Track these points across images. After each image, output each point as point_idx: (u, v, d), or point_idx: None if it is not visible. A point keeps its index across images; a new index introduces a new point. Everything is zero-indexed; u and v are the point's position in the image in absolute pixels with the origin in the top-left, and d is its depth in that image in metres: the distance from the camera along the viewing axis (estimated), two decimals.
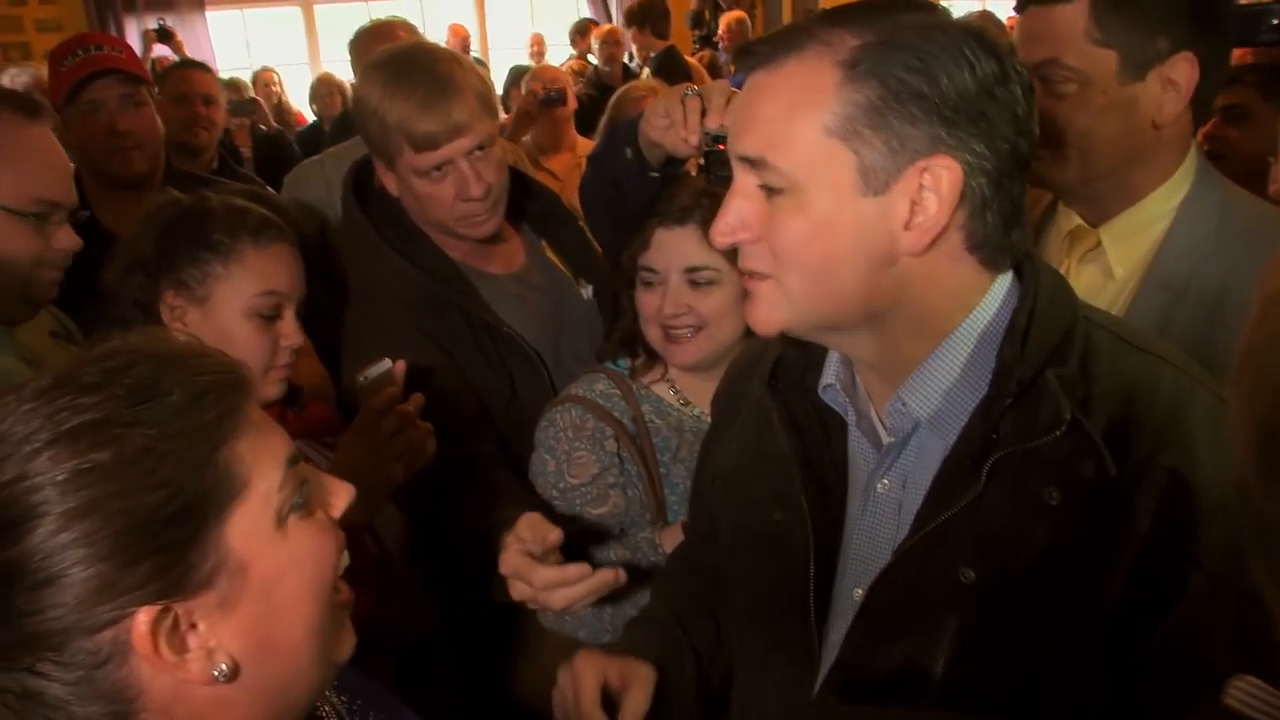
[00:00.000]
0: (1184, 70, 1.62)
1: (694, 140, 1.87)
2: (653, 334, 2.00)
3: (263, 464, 0.97)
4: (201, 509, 0.92)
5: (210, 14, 9.36)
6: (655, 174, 2.00)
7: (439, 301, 2.17)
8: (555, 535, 1.73)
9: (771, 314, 1.20)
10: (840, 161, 1.10)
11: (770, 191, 1.15)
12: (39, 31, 8.34)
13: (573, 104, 4.82)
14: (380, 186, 2.26)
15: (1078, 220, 1.82)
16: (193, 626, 0.92)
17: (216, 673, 0.93)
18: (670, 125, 1.89)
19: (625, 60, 7.92)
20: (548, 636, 2.06)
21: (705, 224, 1.89)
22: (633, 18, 7.86)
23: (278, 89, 8.06)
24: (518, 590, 1.74)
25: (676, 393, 2.09)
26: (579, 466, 2.02)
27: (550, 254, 2.45)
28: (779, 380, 1.35)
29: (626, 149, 1.99)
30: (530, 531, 1.74)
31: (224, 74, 8.32)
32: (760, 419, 1.36)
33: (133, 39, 8.55)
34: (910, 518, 1.20)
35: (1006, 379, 1.13)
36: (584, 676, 1.46)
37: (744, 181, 1.18)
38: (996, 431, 1.13)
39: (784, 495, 1.31)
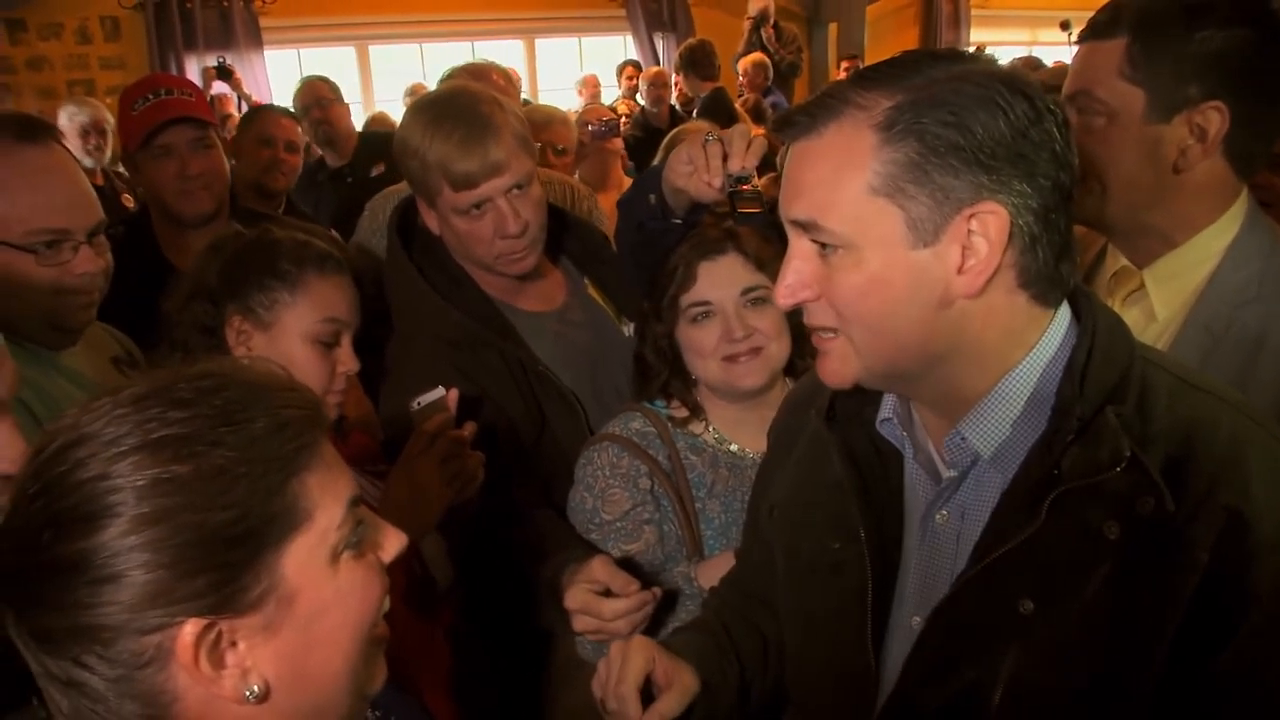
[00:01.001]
0: (1214, 120, 1.64)
1: (717, 184, 1.91)
2: (712, 369, 2.02)
3: (327, 500, 1.00)
4: (263, 534, 0.95)
5: (268, 53, 9.55)
6: (679, 220, 2.04)
7: (476, 340, 2.20)
8: (635, 585, 1.83)
9: (844, 369, 1.23)
10: (888, 218, 1.14)
11: (825, 249, 1.18)
12: (103, 69, 8.55)
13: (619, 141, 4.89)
14: (424, 225, 2.30)
15: (1124, 261, 1.83)
16: (233, 644, 0.95)
17: (248, 693, 0.96)
18: (693, 171, 1.93)
19: (672, 102, 7.97)
20: (586, 668, 2.06)
21: (743, 252, 1.98)
22: (681, 62, 7.95)
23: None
24: (582, 623, 1.86)
25: (712, 430, 2.11)
26: (612, 503, 2.04)
27: (593, 291, 2.48)
28: (836, 413, 1.38)
29: (651, 195, 2.04)
30: (604, 574, 1.85)
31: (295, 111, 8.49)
32: (817, 451, 1.40)
33: (193, 75, 8.74)
34: (968, 548, 1.23)
35: (1067, 416, 1.16)
36: (633, 660, 1.48)
37: (799, 244, 1.22)
38: (1058, 467, 1.15)
39: (841, 525, 1.33)
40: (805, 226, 1.19)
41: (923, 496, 1.31)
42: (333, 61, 9.88)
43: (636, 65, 9.64)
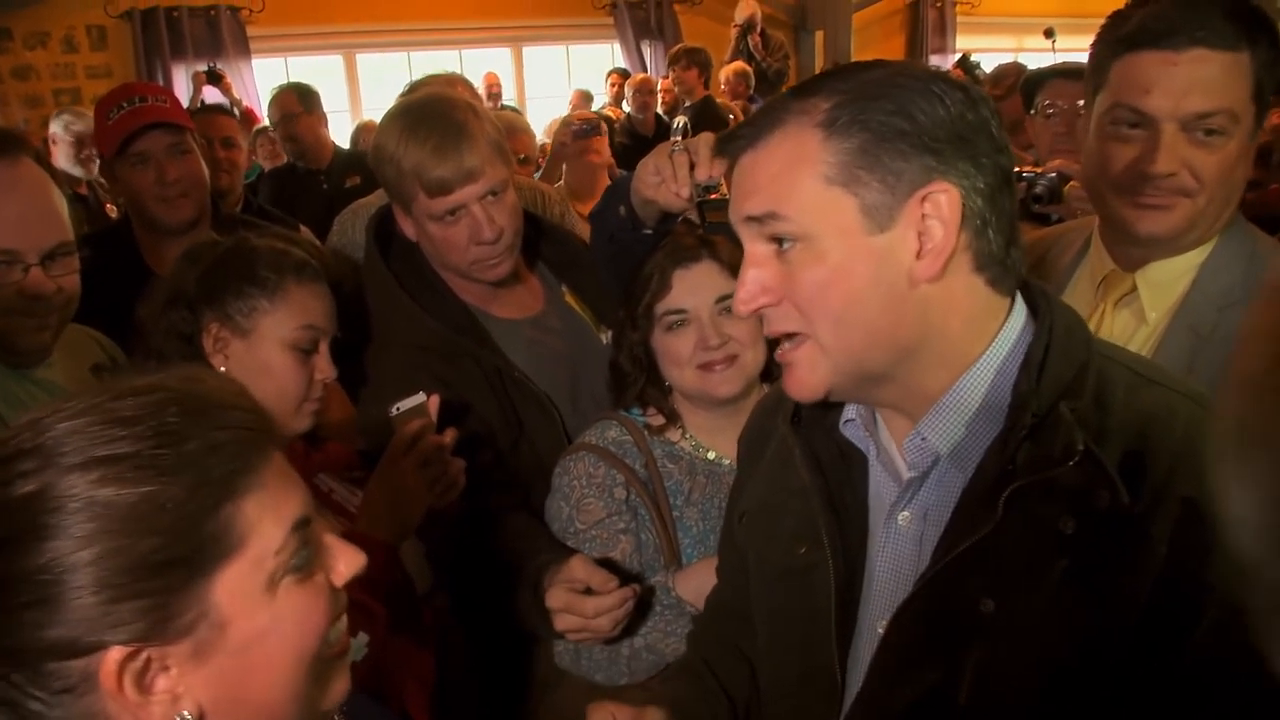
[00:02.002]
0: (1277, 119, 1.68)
1: (685, 193, 1.92)
2: (688, 377, 2.03)
3: (265, 525, 0.97)
4: (191, 562, 0.92)
5: (255, 61, 9.55)
6: (649, 231, 2.05)
7: (452, 348, 2.20)
8: (613, 582, 1.85)
9: (812, 376, 1.23)
10: (843, 206, 1.16)
11: (782, 247, 1.19)
12: (89, 78, 8.54)
13: (602, 141, 4.88)
14: (401, 232, 2.30)
15: (1111, 265, 1.85)
16: (165, 669, 0.93)
17: (179, 718, 0.94)
18: (661, 181, 1.94)
19: (658, 110, 7.99)
20: (568, 676, 2.08)
21: (718, 260, 1.98)
22: (676, 58, 7.95)
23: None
24: (564, 622, 1.87)
25: (689, 438, 2.11)
26: (586, 512, 2.05)
27: (570, 299, 2.48)
28: (801, 417, 1.39)
29: (620, 207, 2.05)
30: (584, 572, 1.87)
31: (269, 121, 8.50)
32: (784, 456, 1.40)
33: (180, 84, 8.73)
34: (930, 550, 1.23)
35: (1022, 411, 1.17)
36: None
37: (754, 248, 1.23)
38: (1013, 463, 1.16)
39: (807, 530, 1.34)
40: (761, 220, 1.20)
41: (886, 498, 1.31)
42: (321, 70, 9.88)
43: (623, 73, 9.65)
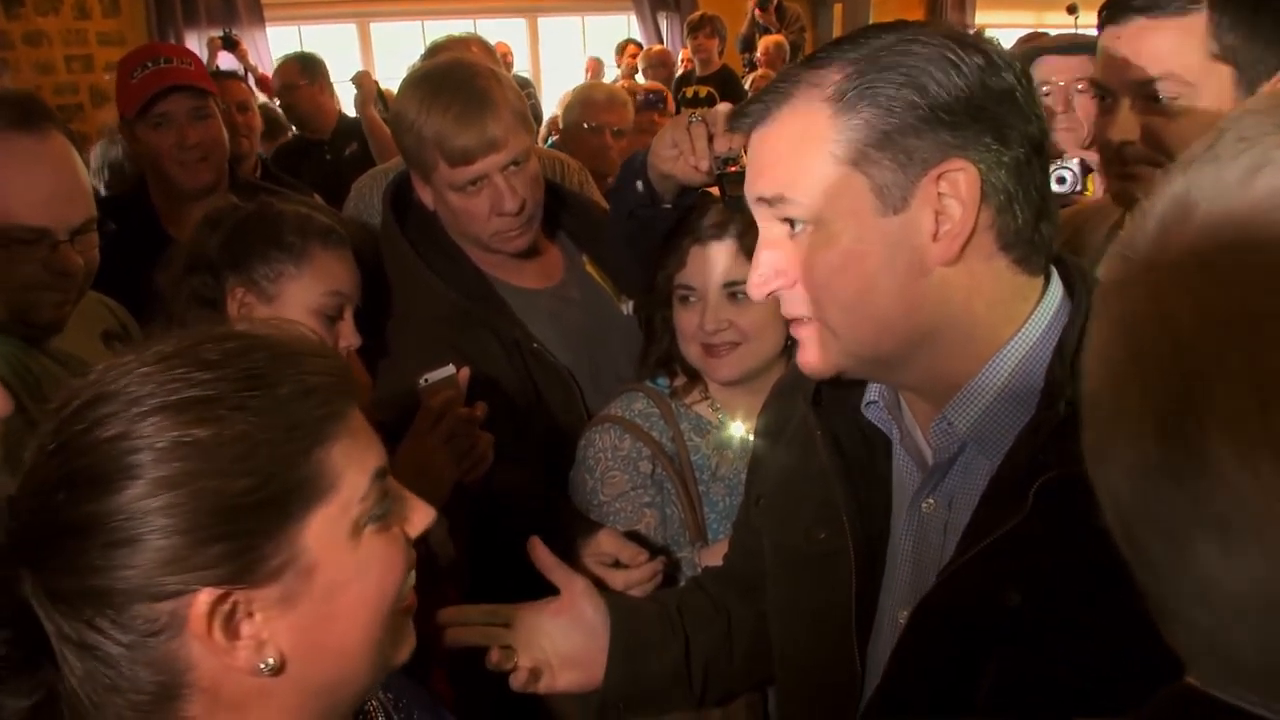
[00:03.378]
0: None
1: (704, 166, 1.88)
2: (693, 351, 2.01)
3: (352, 471, 0.98)
4: (284, 504, 0.93)
5: (270, 30, 9.49)
6: (668, 206, 2.00)
7: (469, 318, 2.19)
8: (643, 555, 1.85)
9: (822, 356, 1.20)
10: (854, 187, 1.11)
11: (794, 229, 1.16)
12: (101, 45, 8.47)
13: (666, 115, 4.85)
14: (418, 200, 2.28)
15: None
16: (249, 615, 0.94)
17: (263, 665, 0.94)
18: (679, 155, 1.90)
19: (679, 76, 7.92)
20: None
21: (740, 238, 1.93)
22: (698, 25, 7.86)
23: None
24: None
25: (716, 410, 2.09)
26: (610, 484, 2.04)
27: (591, 269, 2.46)
28: (823, 398, 1.35)
29: (638, 182, 2.00)
30: (613, 545, 1.87)
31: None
32: (804, 437, 1.36)
33: (194, 51, 8.68)
34: (954, 540, 1.19)
35: (1055, 398, 1.12)
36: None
37: (768, 229, 1.19)
38: (1045, 453, 1.11)
39: (827, 515, 1.30)
40: (771, 202, 1.16)
41: (909, 484, 1.28)
42: (334, 39, 9.84)
43: (638, 44, 9.57)
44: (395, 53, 9.81)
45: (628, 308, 2.41)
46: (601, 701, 1.58)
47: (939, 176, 1.09)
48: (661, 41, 10.13)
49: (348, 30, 10.31)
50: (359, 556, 0.98)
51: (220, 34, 8.07)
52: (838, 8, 11.04)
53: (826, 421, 1.33)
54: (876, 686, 1.25)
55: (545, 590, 1.97)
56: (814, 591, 1.34)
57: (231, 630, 0.93)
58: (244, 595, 0.92)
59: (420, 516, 1.08)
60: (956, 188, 1.09)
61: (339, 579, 0.97)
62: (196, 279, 1.92)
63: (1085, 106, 2.73)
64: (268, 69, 8.76)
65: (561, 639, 1.56)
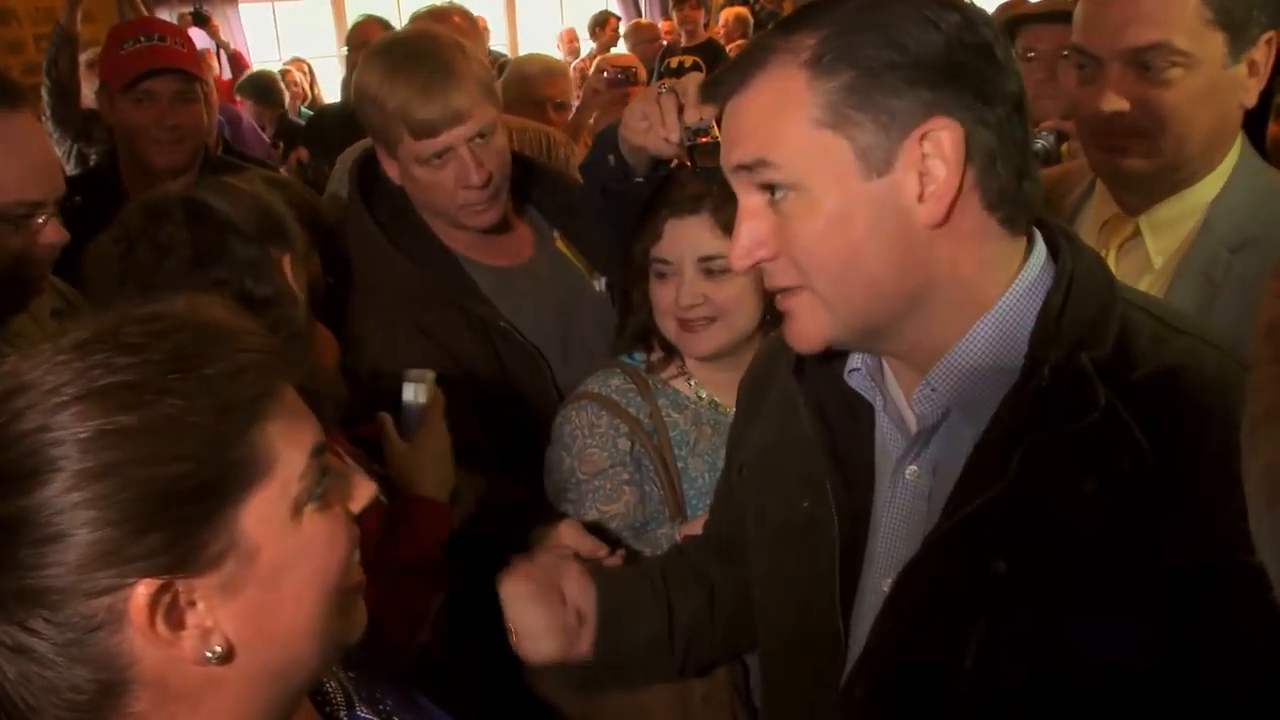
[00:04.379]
0: (1265, 52, 1.61)
1: (674, 138, 1.84)
2: (668, 326, 1.99)
3: (289, 450, 0.95)
4: (220, 488, 0.90)
5: (242, 6, 9.40)
6: (641, 180, 1.97)
7: (435, 296, 2.16)
8: (603, 549, 1.80)
9: (813, 327, 1.18)
10: (836, 150, 1.09)
11: (775, 196, 1.13)
12: None
13: (638, 91, 4.77)
14: (385, 176, 2.25)
15: (1114, 208, 1.78)
16: (192, 604, 0.91)
17: (210, 654, 0.91)
18: (649, 127, 1.86)
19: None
20: None
21: (716, 212, 1.89)
22: None
23: (302, 82, 8.08)
24: None
25: (693, 385, 2.07)
26: (589, 462, 2.01)
27: (562, 245, 2.43)
28: (805, 366, 1.32)
29: (610, 156, 1.97)
30: (572, 538, 1.82)
31: (255, 65, 8.38)
32: (787, 406, 1.35)
33: None
34: (939, 507, 1.18)
35: (1039, 361, 1.11)
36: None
37: (748, 199, 1.17)
38: (1029, 417, 1.10)
39: (811, 483, 1.29)
40: (751, 168, 1.14)
41: (893, 452, 1.26)
42: (308, 13, 9.75)
43: (618, 18, 9.48)
44: None
45: (600, 283, 2.39)
46: (589, 669, 1.58)
47: (922, 136, 1.08)
48: (640, 13, 10.05)
49: (322, 6, 10.22)
50: (301, 537, 0.96)
51: (190, 10, 7.98)
52: None
53: (809, 390, 1.31)
54: (860, 654, 1.24)
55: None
56: (798, 560, 1.32)
57: (174, 621, 0.90)
58: (185, 584, 0.89)
59: (363, 492, 1.05)
60: (940, 147, 1.08)
61: (282, 561, 0.94)
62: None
63: (1068, 73, 2.71)
64: (240, 45, 8.70)
65: (547, 609, 1.54)
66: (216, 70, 8.04)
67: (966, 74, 1.08)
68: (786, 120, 1.10)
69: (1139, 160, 1.67)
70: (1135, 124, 1.63)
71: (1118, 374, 1.10)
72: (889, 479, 1.26)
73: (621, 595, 1.59)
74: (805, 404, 1.30)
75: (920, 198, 1.09)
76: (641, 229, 1.98)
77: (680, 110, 1.84)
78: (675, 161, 1.97)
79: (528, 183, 2.40)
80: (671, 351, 2.07)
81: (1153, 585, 1.06)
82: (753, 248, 1.16)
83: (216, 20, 8.58)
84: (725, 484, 1.64)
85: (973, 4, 1.13)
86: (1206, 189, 1.68)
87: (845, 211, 1.10)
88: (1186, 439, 1.06)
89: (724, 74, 1.19)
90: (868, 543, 1.27)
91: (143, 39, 2.95)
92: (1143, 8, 1.59)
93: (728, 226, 1.90)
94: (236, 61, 8.20)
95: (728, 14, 8.73)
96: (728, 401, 2.02)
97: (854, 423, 1.29)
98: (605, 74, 4.67)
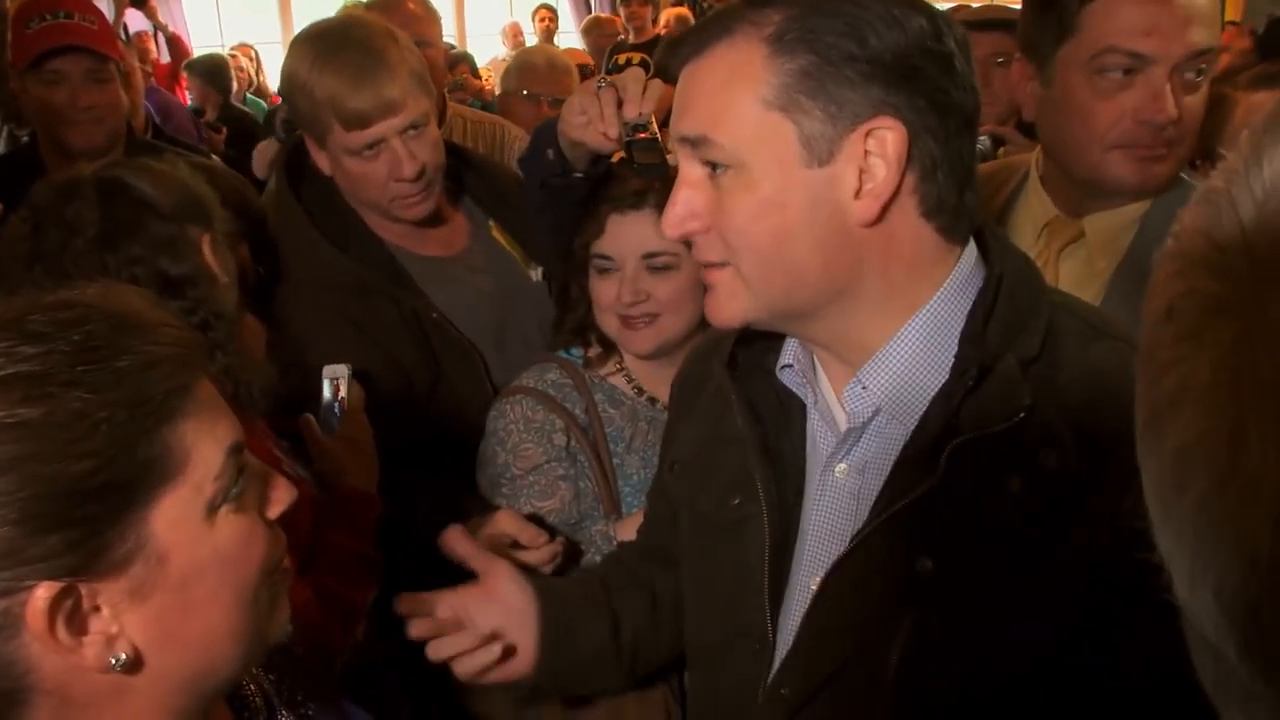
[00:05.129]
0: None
1: (613, 133, 1.82)
2: (609, 323, 1.98)
3: (203, 448, 0.91)
4: (128, 487, 0.86)
5: None
6: (580, 175, 1.95)
7: (365, 287, 2.13)
8: (543, 537, 1.81)
9: (731, 304, 1.18)
10: (782, 133, 1.09)
11: (715, 171, 1.13)
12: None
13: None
14: (314, 166, 2.21)
15: (1054, 211, 1.77)
16: (95, 609, 0.86)
17: (114, 660, 0.87)
18: (588, 121, 1.84)
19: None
20: None
21: (660, 208, 1.85)
22: None
23: (249, 68, 7.96)
24: None
25: (631, 381, 2.06)
26: (524, 457, 1.99)
27: (498, 235, 2.40)
28: (738, 362, 1.32)
29: (548, 150, 1.95)
30: (512, 526, 1.82)
31: (197, 52, 8.22)
32: (720, 402, 1.34)
33: (104, 4, 8.38)
34: (868, 506, 1.18)
35: (967, 362, 1.12)
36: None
37: (689, 169, 1.17)
38: (956, 417, 1.11)
39: (741, 481, 1.28)
40: (694, 143, 1.14)
41: (823, 450, 1.26)
42: (251, 1, 9.60)
43: (550, 8, 9.42)
44: (315, 15, 9.62)
45: (537, 274, 2.36)
46: (533, 684, 1.56)
47: (867, 133, 1.08)
48: (589, 8, 10.00)
49: None
50: (216, 539, 0.92)
51: None
52: None
53: (741, 385, 1.30)
54: (787, 651, 1.24)
55: (457, 577, 1.94)
56: (727, 558, 1.32)
57: (76, 626, 0.85)
58: (88, 587, 0.85)
59: (282, 494, 1.01)
60: (884, 146, 1.08)
61: (195, 565, 0.90)
62: None
63: (1003, 80, 2.73)
64: (180, 28, 8.53)
65: (486, 624, 1.51)
66: (154, 53, 7.89)
67: (922, 80, 1.08)
68: (736, 96, 1.10)
69: (1168, 167, 1.65)
70: (1177, 130, 1.61)
71: (1044, 375, 1.11)
72: (818, 477, 1.26)
73: (563, 609, 1.56)
74: (737, 400, 1.29)
75: (857, 194, 1.09)
76: (582, 224, 1.97)
77: (620, 105, 1.82)
78: (615, 157, 1.96)
79: (463, 171, 2.37)
80: (610, 348, 2.05)
81: (1074, 583, 1.07)
82: (686, 218, 1.16)
83: (157, 4, 8.40)
84: (658, 483, 1.63)
85: (944, 13, 1.13)
86: (1139, 204, 1.69)
87: (781, 196, 1.10)
88: (1107, 439, 1.06)
89: (687, 36, 1.19)
90: (797, 541, 1.27)
91: (48, 16, 2.83)
92: (1199, 11, 1.56)
93: None
94: (175, 45, 8.03)
95: (669, 14, 8.70)
96: (666, 398, 2.03)
97: (786, 420, 1.29)
98: (597, 87, 4.65)
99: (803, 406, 1.29)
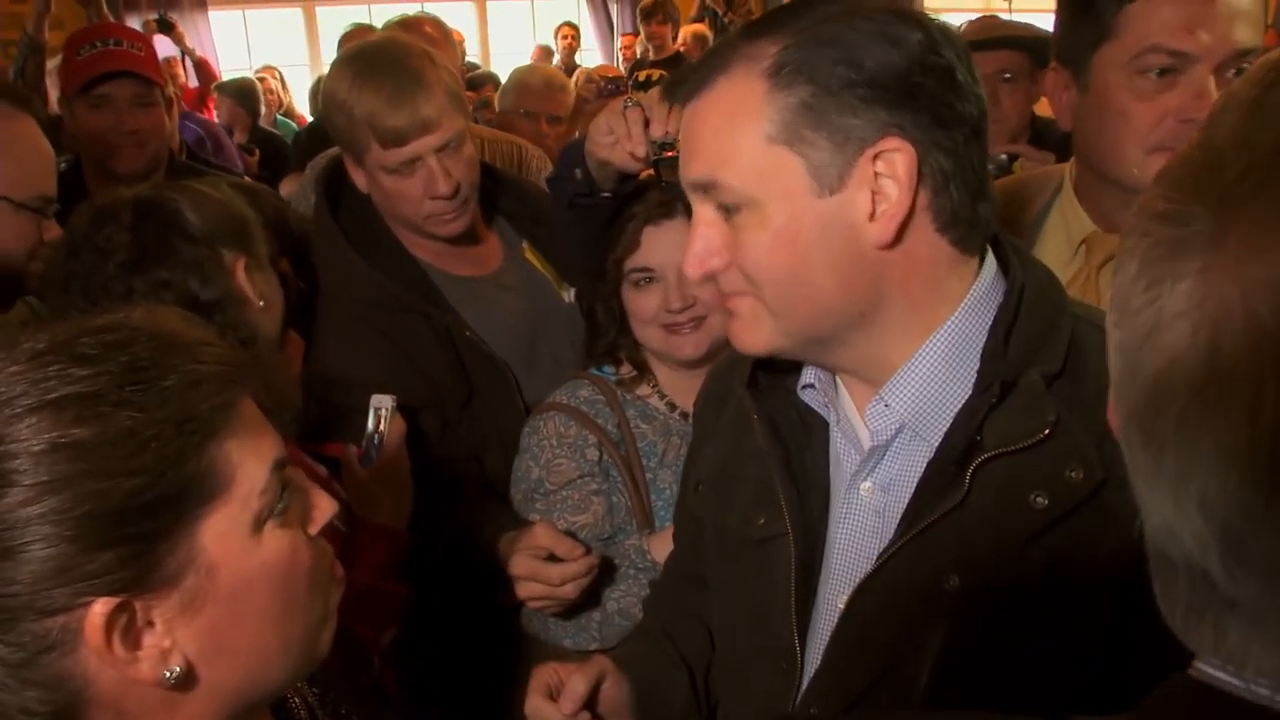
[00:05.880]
0: None
1: (640, 152, 1.84)
2: (652, 335, 1.99)
3: (248, 464, 0.93)
4: (178, 503, 0.88)
5: (212, 14, 9.33)
6: (607, 194, 1.97)
7: (399, 305, 2.14)
8: (579, 549, 1.83)
9: (756, 331, 1.18)
10: (789, 167, 1.09)
11: (729, 212, 1.14)
12: None
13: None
14: (352, 184, 2.23)
15: (1091, 226, 1.73)
16: (149, 624, 0.88)
17: (168, 674, 0.89)
18: (615, 141, 1.86)
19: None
20: (535, 652, 2.02)
21: (689, 214, 1.87)
22: (651, 11, 7.81)
23: (278, 90, 8.02)
24: (527, 590, 1.84)
25: (664, 397, 2.07)
26: (557, 472, 2.00)
27: (531, 255, 2.41)
28: (759, 381, 1.32)
29: (576, 170, 1.96)
30: (548, 539, 1.83)
31: (225, 74, 8.31)
32: (741, 421, 1.34)
33: None
34: (893, 524, 1.17)
35: (990, 378, 1.11)
36: (533, 680, 1.47)
37: (703, 210, 1.17)
38: (980, 434, 1.10)
39: (766, 500, 1.28)
40: (705, 188, 1.14)
41: (847, 468, 1.25)
42: (280, 23, 9.69)
43: (573, 26, 9.48)
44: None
45: (569, 294, 2.37)
46: None
47: (875, 156, 1.07)
48: (611, 25, 10.06)
49: (294, 15, 10.15)
50: (263, 553, 0.94)
51: (155, 17, 7.90)
52: None
53: (762, 405, 1.30)
54: (815, 671, 1.23)
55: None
56: (753, 576, 1.32)
57: (131, 641, 0.87)
58: (142, 603, 0.87)
59: (324, 508, 1.04)
60: (894, 167, 1.07)
61: (243, 578, 0.92)
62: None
63: (1011, 97, 2.72)
64: (209, 54, 8.62)
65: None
66: (183, 79, 7.98)
67: (925, 96, 1.07)
68: (739, 135, 1.10)
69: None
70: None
71: (1069, 389, 1.10)
72: (843, 495, 1.25)
73: (651, 680, 1.53)
74: (759, 418, 1.29)
75: (871, 216, 1.09)
76: (615, 241, 1.98)
77: (646, 124, 1.84)
78: (642, 175, 1.97)
79: (497, 193, 2.39)
80: (642, 368, 2.06)
81: (1100, 597, 1.07)
82: (706, 257, 1.16)
83: (185, 28, 8.50)
84: (683, 507, 1.62)
85: (940, 23, 1.12)
86: None
87: (794, 228, 1.10)
88: None
89: (686, 74, 1.19)
90: (823, 559, 1.26)
91: (99, 44, 2.93)
92: (1244, 9, 1.53)
93: None
94: (203, 69, 8.13)
95: (687, 31, 8.72)
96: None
97: (808, 437, 1.29)
98: (594, 84, 4.68)
99: (824, 424, 1.29)
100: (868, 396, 1.21)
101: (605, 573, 1.91)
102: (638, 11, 8.46)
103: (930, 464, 1.15)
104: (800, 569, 1.24)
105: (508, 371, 2.21)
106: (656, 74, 5.23)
